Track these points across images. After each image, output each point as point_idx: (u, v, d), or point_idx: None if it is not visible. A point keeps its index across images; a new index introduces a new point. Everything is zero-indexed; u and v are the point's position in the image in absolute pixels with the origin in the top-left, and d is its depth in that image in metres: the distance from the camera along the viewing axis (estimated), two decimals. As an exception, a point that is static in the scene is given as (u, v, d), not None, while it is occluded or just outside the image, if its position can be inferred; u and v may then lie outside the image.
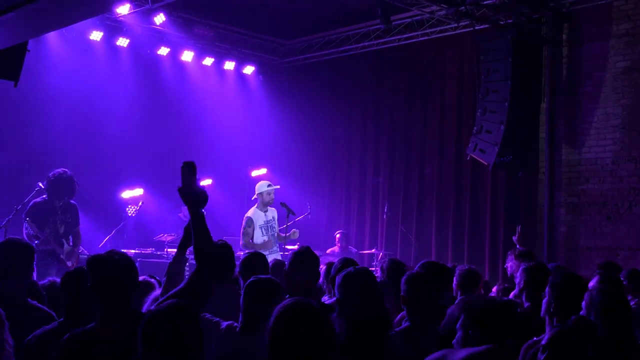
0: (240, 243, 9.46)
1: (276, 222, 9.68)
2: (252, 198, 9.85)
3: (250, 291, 3.89)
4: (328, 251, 11.26)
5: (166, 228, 11.38)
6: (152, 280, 4.87)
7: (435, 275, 4.82)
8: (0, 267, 4.40)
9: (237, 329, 3.90)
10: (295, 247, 10.13)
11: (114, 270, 3.38)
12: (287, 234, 9.50)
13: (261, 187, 9.63)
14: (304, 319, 2.64)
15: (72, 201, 8.26)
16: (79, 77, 11.31)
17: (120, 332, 3.22)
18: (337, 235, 11.56)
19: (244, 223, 9.45)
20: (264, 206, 9.55)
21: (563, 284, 4.28)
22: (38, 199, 8.10)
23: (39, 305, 4.42)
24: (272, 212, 9.66)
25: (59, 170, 8.18)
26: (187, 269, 9.13)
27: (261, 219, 9.49)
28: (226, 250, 4.96)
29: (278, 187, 9.91)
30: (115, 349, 3.19)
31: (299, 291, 4.50)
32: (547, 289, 4.31)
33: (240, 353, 3.76)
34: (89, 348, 3.27)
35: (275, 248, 9.55)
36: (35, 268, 4.74)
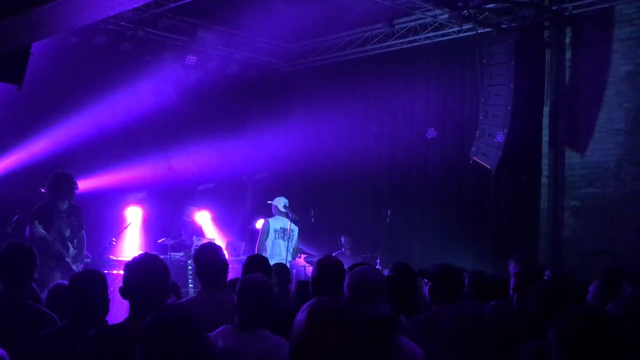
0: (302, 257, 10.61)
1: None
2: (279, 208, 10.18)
3: (242, 290, 3.89)
4: (334, 254, 11.20)
5: (169, 232, 11.35)
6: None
7: (404, 277, 4.83)
8: (3, 269, 4.43)
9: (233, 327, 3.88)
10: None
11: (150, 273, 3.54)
12: None
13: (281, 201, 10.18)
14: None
15: (76, 204, 8.27)
16: (82, 81, 11.30)
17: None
18: (343, 239, 11.54)
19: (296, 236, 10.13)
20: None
21: None
22: (43, 202, 8.11)
23: (39, 306, 4.45)
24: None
25: (56, 171, 8.26)
26: (190, 275, 9.12)
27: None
28: (217, 254, 4.84)
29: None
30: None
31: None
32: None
33: (238, 348, 3.72)
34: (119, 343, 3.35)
35: None
36: (38, 272, 4.76)
